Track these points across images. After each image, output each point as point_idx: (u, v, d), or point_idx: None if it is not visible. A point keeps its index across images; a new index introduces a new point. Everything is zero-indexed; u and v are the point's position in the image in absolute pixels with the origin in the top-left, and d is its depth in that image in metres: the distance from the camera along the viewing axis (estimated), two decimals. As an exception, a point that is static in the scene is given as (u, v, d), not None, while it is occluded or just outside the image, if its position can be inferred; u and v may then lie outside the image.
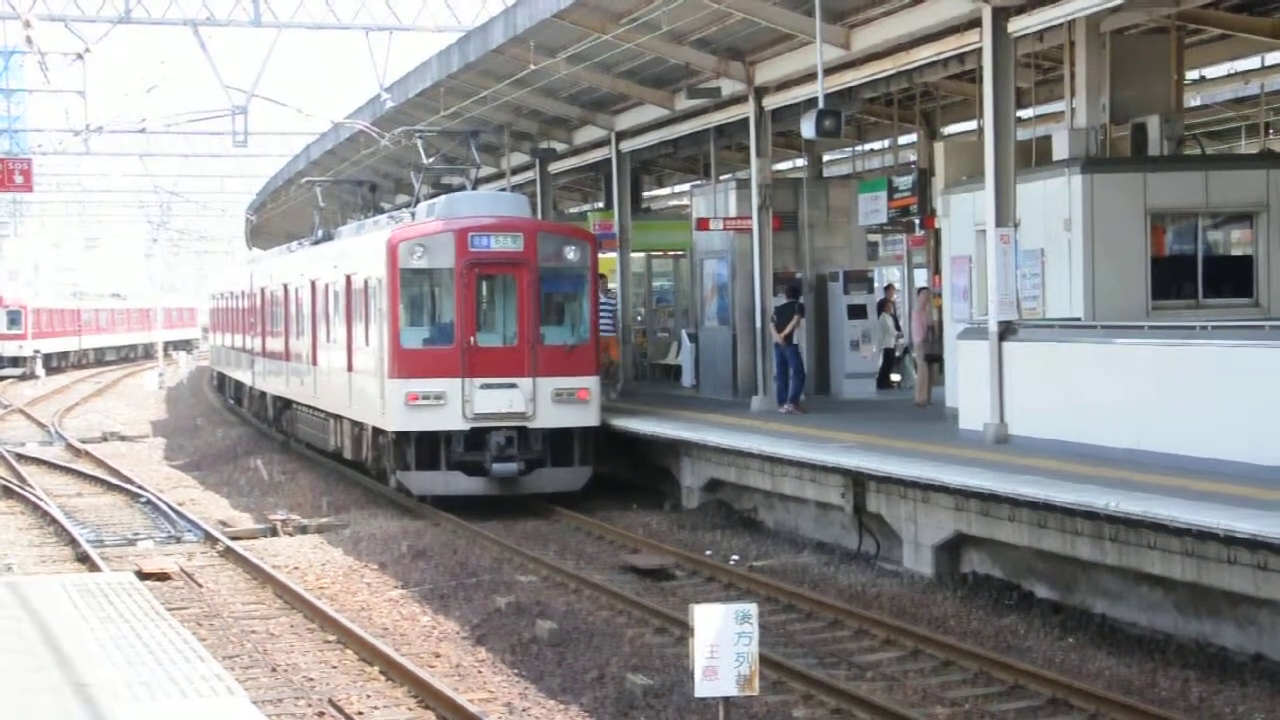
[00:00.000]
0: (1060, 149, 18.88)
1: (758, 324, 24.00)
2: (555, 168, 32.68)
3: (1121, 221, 18.15)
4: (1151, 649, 12.72)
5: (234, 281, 41.40)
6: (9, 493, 24.41)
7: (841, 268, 26.21)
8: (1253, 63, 26.05)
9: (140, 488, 24.96)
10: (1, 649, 10.08)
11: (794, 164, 33.40)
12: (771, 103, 23.45)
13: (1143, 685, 11.71)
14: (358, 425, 23.93)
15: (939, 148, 23.18)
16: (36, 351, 65.72)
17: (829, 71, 20.09)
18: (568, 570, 16.93)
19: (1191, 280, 18.65)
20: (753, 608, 9.50)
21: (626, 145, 28.85)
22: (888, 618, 14.12)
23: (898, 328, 27.85)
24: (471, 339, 21.28)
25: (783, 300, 23.66)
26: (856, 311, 25.47)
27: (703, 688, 9.44)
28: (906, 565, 16.29)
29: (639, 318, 33.07)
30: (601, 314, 24.91)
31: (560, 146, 31.55)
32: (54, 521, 21.36)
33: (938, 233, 23.59)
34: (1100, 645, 12.96)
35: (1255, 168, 19.82)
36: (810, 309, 25.90)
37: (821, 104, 19.35)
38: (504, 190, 30.68)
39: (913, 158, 28.44)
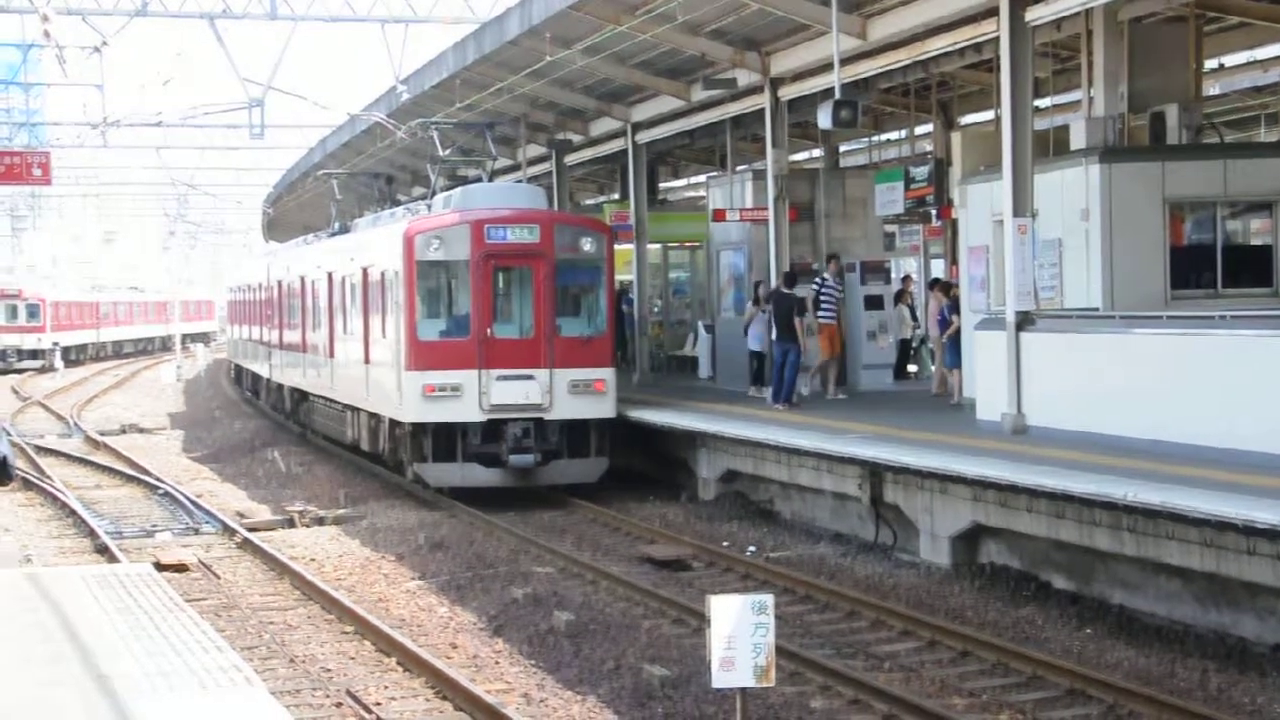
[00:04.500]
0: (1078, 138, 18.82)
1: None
2: (571, 159, 32.67)
3: (1140, 211, 18.09)
4: (1170, 640, 12.68)
5: (251, 274, 41.49)
6: (29, 484, 24.50)
7: (858, 258, 26.15)
8: (1272, 50, 25.91)
9: (158, 480, 25.04)
10: (22, 640, 10.11)
11: (810, 155, 33.37)
12: (787, 93, 23.41)
13: (1161, 676, 11.68)
14: (375, 417, 23.97)
15: (956, 138, 23.13)
16: (55, 344, 65.97)
17: (845, 61, 20.05)
18: (585, 561, 16.93)
19: (1210, 270, 18.59)
20: (769, 599, 9.48)
21: (642, 136, 28.83)
22: (905, 608, 14.10)
23: (914, 318, 27.79)
24: (488, 330, 21.29)
25: (783, 289, 22.57)
26: (873, 302, 25.41)
27: (720, 679, 9.43)
28: (924, 556, 16.27)
29: (655, 309, 33.07)
30: (823, 298, 23.09)
31: (576, 138, 31.54)
32: (73, 513, 21.45)
33: (955, 223, 23.53)
34: (1118, 636, 12.93)
35: (1275, 156, 19.78)
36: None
37: (838, 94, 19.31)
38: (520, 182, 30.68)
39: (929, 148, 28.37)
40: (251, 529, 19.90)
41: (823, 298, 23.28)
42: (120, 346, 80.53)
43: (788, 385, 22.33)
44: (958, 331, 21.42)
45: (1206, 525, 12.09)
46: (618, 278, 25.09)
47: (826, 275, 23.58)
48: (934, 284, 24.48)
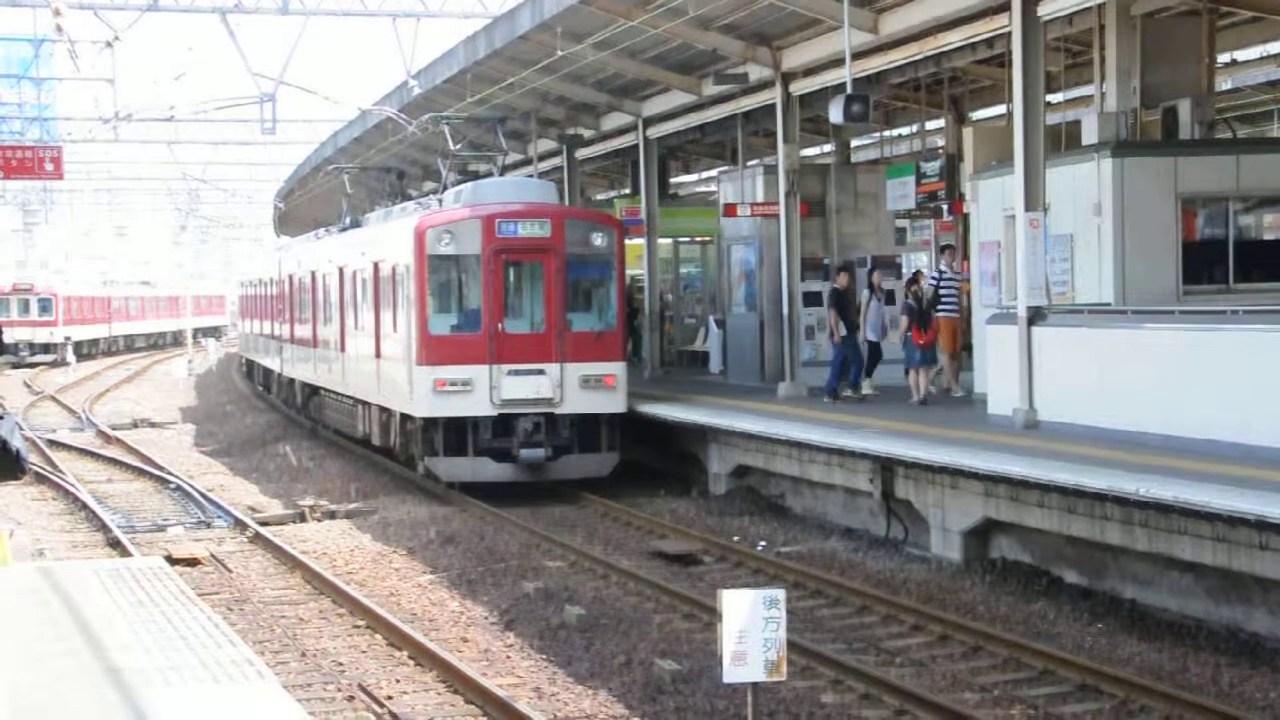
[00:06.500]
0: (1090, 133, 18.79)
1: (785, 310, 23.95)
2: (582, 154, 32.66)
3: (1152, 206, 18.06)
4: (1182, 635, 12.67)
5: (262, 269, 41.54)
6: (41, 479, 24.56)
7: (869, 253, 26.12)
8: (1285, 45, 25.86)
9: (170, 474, 25.09)
10: (34, 634, 10.14)
11: (821, 150, 33.30)
12: (799, 88, 23.39)
13: (1173, 671, 11.67)
14: (386, 411, 23.99)
15: (968, 133, 23.10)
16: (67, 338, 66.11)
17: (857, 56, 20.02)
18: (595, 556, 16.94)
19: (1223, 265, 18.56)
20: (781, 593, 9.48)
21: (654, 131, 28.81)
22: (916, 603, 14.09)
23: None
24: (499, 325, 21.30)
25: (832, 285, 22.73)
26: (884, 298, 25.34)
27: (731, 673, 9.43)
28: (935, 551, 16.26)
29: (667, 301, 33.05)
30: (944, 290, 21.56)
31: (587, 133, 31.52)
32: (85, 507, 21.49)
33: (966, 218, 23.49)
34: (1130, 631, 12.92)
35: (1287, 151, 19.69)
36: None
37: (849, 89, 19.30)
38: (531, 177, 30.69)
39: (941, 143, 28.32)
40: (263, 523, 19.93)
41: (944, 290, 21.82)
42: (132, 341, 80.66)
43: (832, 379, 22.29)
44: (908, 329, 21.12)
45: (1219, 520, 12.07)
46: (628, 272, 25.11)
47: (944, 267, 22.34)
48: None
